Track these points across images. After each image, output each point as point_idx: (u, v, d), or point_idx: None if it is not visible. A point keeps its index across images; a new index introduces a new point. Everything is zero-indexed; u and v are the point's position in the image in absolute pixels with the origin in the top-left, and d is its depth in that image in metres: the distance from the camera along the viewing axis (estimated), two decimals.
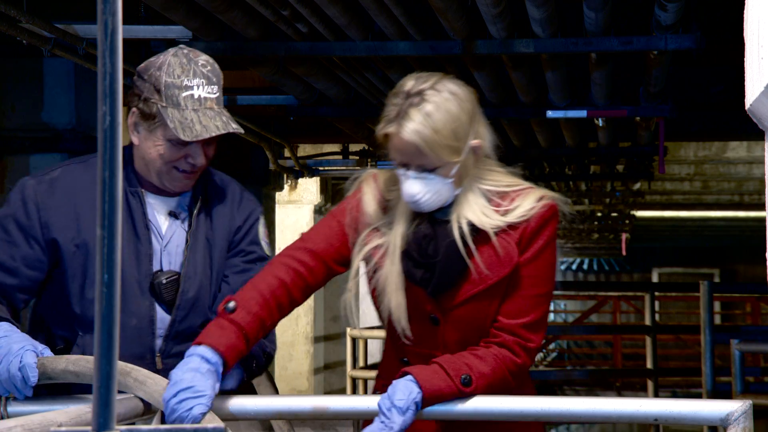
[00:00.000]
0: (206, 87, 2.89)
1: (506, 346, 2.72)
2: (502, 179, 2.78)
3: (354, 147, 11.22)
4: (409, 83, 2.72)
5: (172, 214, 3.02)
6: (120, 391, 2.60)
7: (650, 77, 6.88)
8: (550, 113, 7.80)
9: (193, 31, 5.87)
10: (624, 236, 24.12)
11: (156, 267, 2.97)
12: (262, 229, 3.10)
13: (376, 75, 7.23)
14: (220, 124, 2.88)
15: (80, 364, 2.62)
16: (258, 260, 3.06)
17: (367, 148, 10.13)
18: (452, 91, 2.71)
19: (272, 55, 6.28)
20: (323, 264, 2.78)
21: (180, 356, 2.72)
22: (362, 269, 2.82)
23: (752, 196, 16.72)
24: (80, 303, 2.94)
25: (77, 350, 2.95)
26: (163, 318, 2.97)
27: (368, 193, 2.82)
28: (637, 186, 14.01)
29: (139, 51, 6.19)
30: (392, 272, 2.73)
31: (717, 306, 25.74)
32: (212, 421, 2.49)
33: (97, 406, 1.39)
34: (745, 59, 2.01)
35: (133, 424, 2.61)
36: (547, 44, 5.95)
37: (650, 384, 7.95)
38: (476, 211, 2.72)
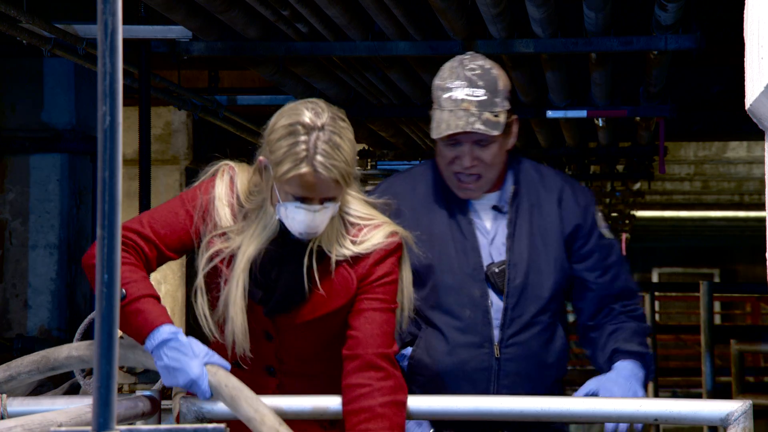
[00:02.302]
0: (467, 89, 2.98)
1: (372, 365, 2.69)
2: (360, 209, 2.76)
3: None
4: (306, 116, 2.61)
5: (496, 209, 3.14)
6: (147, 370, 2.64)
7: (650, 77, 6.88)
8: (550, 113, 7.80)
9: (193, 31, 5.87)
10: (624, 236, 24.10)
11: (486, 260, 3.08)
12: (599, 216, 3.18)
13: (376, 75, 7.23)
14: (462, 123, 2.97)
15: (82, 349, 2.63)
16: (608, 247, 3.15)
17: (366, 148, 10.12)
18: (343, 117, 2.66)
19: (272, 55, 6.28)
20: (158, 251, 2.69)
21: (517, 346, 3.00)
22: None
23: (752, 196, 16.71)
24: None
25: (421, 342, 3.09)
26: (498, 308, 3.08)
27: (221, 195, 2.72)
28: (637, 186, 14.00)
29: (139, 51, 6.17)
30: (235, 294, 2.67)
31: (717, 306, 25.71)
32: (216, 372, 2.52)
33: (97, 406, 1.39)
34: (745, 59, 2.01)
35: (133, 424, 2.61)
36: (547, 44, 5.95)
37: (650, 384, 7.95)
38: (332, 239, 2.70)
